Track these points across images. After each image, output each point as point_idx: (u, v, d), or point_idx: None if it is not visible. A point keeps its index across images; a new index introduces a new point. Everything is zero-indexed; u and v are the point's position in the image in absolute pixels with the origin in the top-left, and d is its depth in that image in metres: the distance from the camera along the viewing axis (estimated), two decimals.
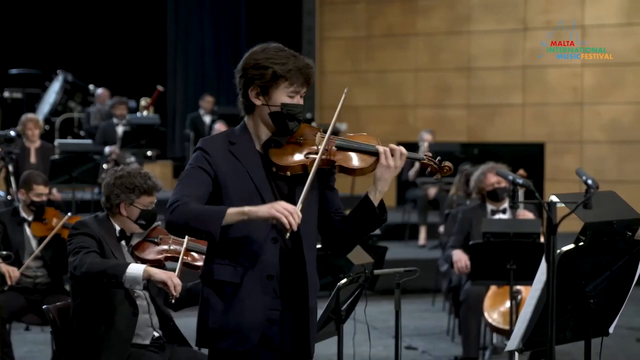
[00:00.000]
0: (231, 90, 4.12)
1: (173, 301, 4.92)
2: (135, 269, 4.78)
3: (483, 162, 8.46)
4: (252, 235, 3.83)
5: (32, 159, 11.09)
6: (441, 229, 10.55)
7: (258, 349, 3.86)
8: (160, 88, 15.98)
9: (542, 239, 6.86)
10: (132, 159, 12.99)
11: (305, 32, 17.56)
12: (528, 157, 15.28)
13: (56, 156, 11.17)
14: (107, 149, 12.95)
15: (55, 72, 16.90)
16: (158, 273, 4.78)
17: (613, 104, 15.19)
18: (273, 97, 3.86)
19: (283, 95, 3.86)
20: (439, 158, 3.97)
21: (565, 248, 3.81)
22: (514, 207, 7.11)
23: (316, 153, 3.85)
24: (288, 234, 3.70)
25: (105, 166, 12.60)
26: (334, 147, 3.89)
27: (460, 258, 7.69)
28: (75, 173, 10.95)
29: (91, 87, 16.71)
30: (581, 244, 3.92)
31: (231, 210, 3.71)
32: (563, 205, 3.71)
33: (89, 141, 13.19)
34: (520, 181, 3.76)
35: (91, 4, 18.51)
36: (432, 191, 12.91)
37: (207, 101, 15.93)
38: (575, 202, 3.65)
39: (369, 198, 3.91)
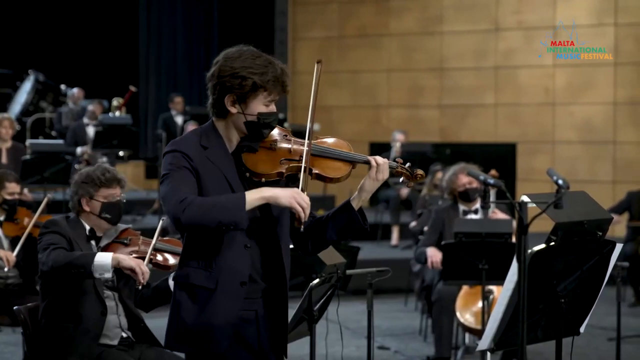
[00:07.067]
0: (203, 91, 4.06)
1: (140, 287, 4.92)
2: (104, 257, 4.80)
3: (455, 162, 8.48)
4: (226, 241, 3.77)
5: (4, 159, 11.02)
6: (413, 223, 10.56)
7: (233, 351, 3.83)
8: (132, 88, 15.91)
9: (514, 239, 6.88)
10: (104, 159, 12.92)
11: (277, 32, 17.56)
12: (500, 158, 15.35)
13: (28, 156, 11.11)
14: (79, 150, 12.91)
15: (26, 72, 16.78)
16: (126, 259, 4.80)
17: (585, 104, 15.26)
18: (250, 107, 3.78)
19: (260, 105, 3.78)
20: (409, 164, 3.94)
21: (536, 248, 3.82)
22: (485, 207, 7.14)
23: (291, 160, 3.81)
24: (302, 227, 3.73)
25: (77, 166, 12.54)
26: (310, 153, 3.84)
27: (435, 254, 7.71)
28: (47, 173, 10.91)
29: (63, 87, 16.61)
30: (552, 243, 3.93)
31: (250, 196, 3.66)
32: (534, 205, 3.71)
33: (60, 141, 13.12)
34: (491, 181, 3.75)
35: (63, 4, 18.40)
36: (405, 191, 12.94)
37: (176, 102, 15.81)
38: (546, 202, 3.66)
39: (351, 206, 3.87)
